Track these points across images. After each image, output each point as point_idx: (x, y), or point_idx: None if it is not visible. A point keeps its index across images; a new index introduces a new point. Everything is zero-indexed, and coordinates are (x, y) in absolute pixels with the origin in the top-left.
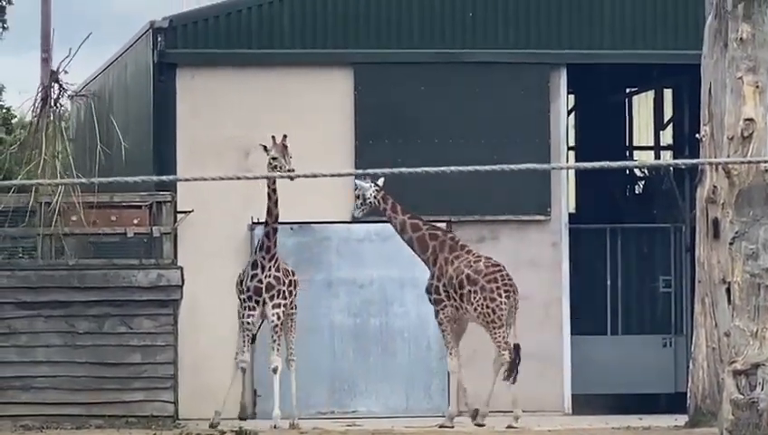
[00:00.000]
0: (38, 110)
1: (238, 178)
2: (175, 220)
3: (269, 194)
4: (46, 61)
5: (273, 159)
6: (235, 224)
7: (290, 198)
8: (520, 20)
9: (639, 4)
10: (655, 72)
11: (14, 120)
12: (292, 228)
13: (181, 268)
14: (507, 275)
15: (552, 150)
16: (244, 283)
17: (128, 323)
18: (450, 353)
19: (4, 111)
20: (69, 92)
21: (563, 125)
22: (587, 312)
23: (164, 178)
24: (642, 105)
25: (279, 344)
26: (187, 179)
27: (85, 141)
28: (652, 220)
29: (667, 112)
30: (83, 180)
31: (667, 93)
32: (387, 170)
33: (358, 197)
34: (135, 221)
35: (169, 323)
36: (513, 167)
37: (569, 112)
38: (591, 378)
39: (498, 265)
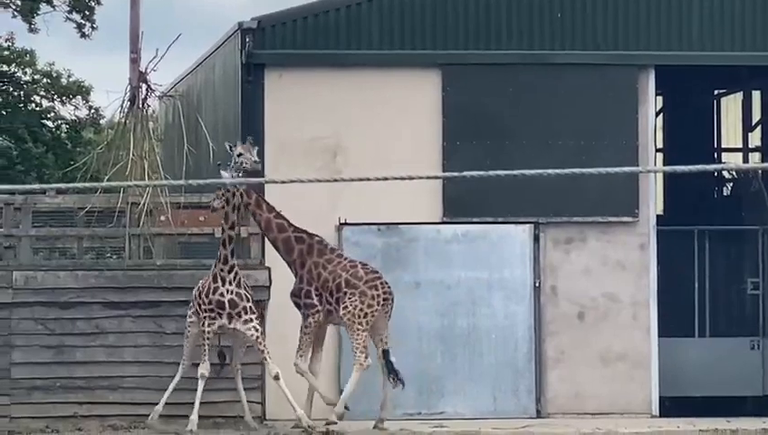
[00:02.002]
0: (126, 110)
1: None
2: None
3: (227, 199)
4: (135, 61)
5: (239, 155)
6: (323, 224)
7: (378, 199)
8: (608, 21)
9: (728, 6)
10: (743, 73)
11: (102, 121)
12: (379, 229)
13: (269, 269)
14: (386, 282)
15: (639, 152)
16: (203, 295)
17: None
18: (301, 356)
19: (93, 111)
20: (157, 93)
21: (651, 127)
22: (674, 314)
23: (262, 180)
24: (730, 107)
25: (269, 353)
26: (275, 181)
27: (173, 142)
28: (740, 222)
29: (756, 114)
30: (181, 182)
31: (756, 95)
32: (476, 173)
33: (220, 189)
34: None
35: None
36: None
37: (657, 114)
38: (679, 380)
39: (377, 272)
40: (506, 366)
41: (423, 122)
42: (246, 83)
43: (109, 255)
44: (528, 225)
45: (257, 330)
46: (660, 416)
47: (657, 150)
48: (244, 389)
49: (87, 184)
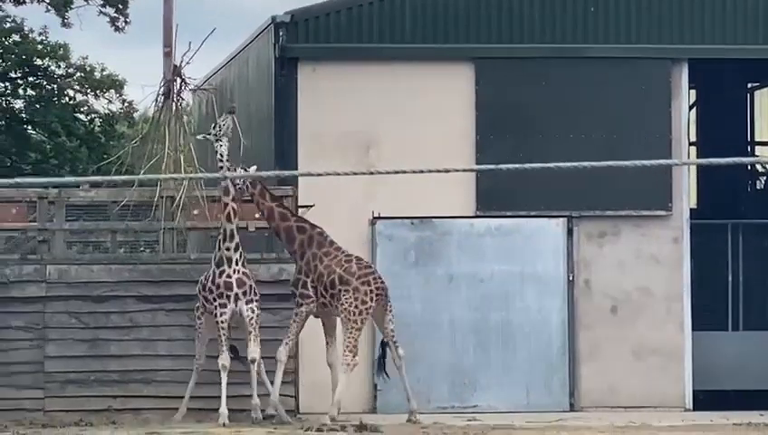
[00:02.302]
0: (160, 104)
1: (353, 174)
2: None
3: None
4: (168, 55)
5: (216, 126)
6: (356, 218)
7: (411, 193)
8: (642, 15)
9: None
10: None
11: (136, 115)
12: (413, 223)
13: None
14: (379, 277)
15: (672, 146)
16: (209, 285)
17: None
18: (287, 344)
19: (126, 105)
20: (191, 86)
21: (684, 120)
22: (708, 307)
23: (296, 172)
24: (764, 100)
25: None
26: (309, 174)
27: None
28: None
29: None
30: (217, 175)
31: None
32: (512, 166)
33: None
34: (257, 215)
35: (289, 317)
36: (634, 163)
37: (690, 108)
38: (712, 374)
39: (370, 267)
40: (540, 360)
41: (456, 116)
42: (280, 77)
43: (142, 249)
44: (561, 218)
45: (253, 312)
46: (694, 410)
47: (691, 144)
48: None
49: (121, 177)
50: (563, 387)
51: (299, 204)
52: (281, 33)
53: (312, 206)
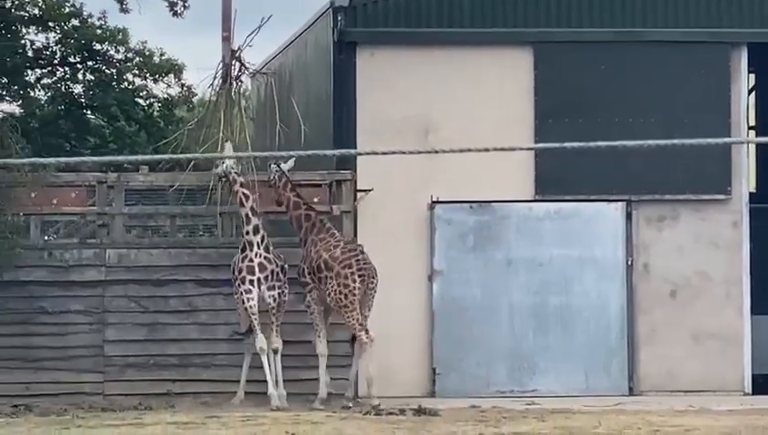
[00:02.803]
0: (217, 88)
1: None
2: (355, 199)
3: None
4: (227, 39)
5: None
6: (415, 202)
7: (470, 177)
8: None
9: None
10: None
11: (194, 99)
12: (471, 207)
13: (361, 246)
14: (363, 259)
15: (732, 130)
16: (235, 271)
17: (302, 301)
18: (318, 336)
19: (185, 89)
20: (249, 71)
21: (744, 105)
22: (767, 291)
23: (353, 151)
24: None
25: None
26: (374, 153)
27: (265, 120)
28: None
29: None
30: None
31: None
32: (576, 144)
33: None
34: (315, 199)
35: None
36: (698, 141)
37: (749, 92)
38: None
39: (355, 250)
40: (598, 344)
41: (514, 101)
42: (338, 62)
43: (201, 232)
44: (620, 202)
45: (275, 300)
46: (753, 394)
47: (750, 128)
48: (337, 366)
49: (174, 156)
50: (622, 371)
51: (357, 188)
52: (339, 18)
53: (370, 190)
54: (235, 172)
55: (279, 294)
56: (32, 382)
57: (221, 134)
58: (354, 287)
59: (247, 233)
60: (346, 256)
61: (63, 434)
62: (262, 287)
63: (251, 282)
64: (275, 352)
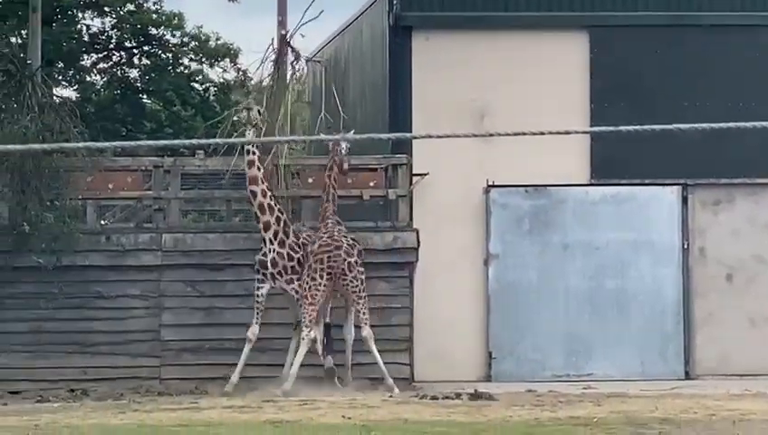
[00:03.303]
0: (272, 73)
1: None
2: (410, 183)
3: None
4: (282, 24)
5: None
6: (470, 186)
7: (526, 161)
8: None
9: None
10: None
11: (250, 84)
12: (527, 191)
13: (417, 231)
14: (335, 255)
15: None
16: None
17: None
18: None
19: (241, 73)
20: (304, 56)
21: None
22: None
23: (408, 135)
24: None
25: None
26: (429, 136)
27: (321, 105)
28: None
29: None
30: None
31: None
32: (630, 127)
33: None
34: (371, 184)
35: (405, 286)
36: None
37: None
38: None
39: (330, 246)
40: (654, 328)
41: (570, 84)
42: (393, 46)
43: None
44: (676, 186)
45: (297, 293)
46: None
47: None
48: (393, 350)
49: (227, 140)
50: (678, 355)
51: (413, 172)
52: (394, 2)
53: (426, 174)
54: (254, 149)
55: (299, 286)
56: (88, 367)
57: (278, 119)
58: (320, 284)
59: (260, 231)
60: (320, 251)
61: (120, 418)
62: (277, 281)
63: (264, 274)
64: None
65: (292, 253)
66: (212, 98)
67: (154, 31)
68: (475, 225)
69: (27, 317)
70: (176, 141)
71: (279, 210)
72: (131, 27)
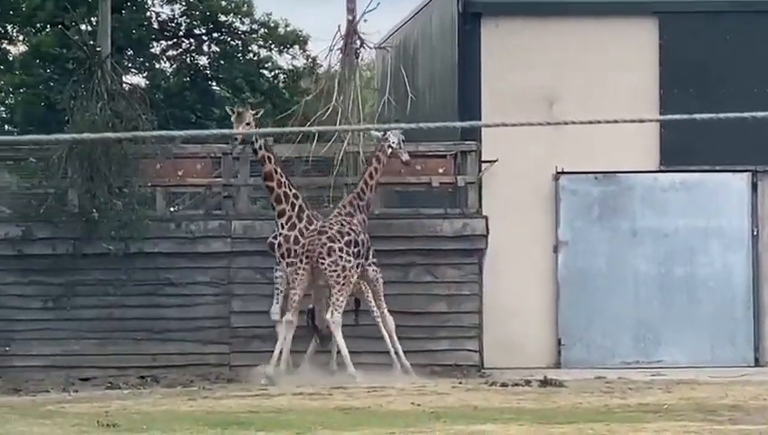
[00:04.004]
0: (340, 60)
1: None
2: (480, 170)
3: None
4: (351, 11)
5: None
6: (540, 173)
7: (595, 148)
8: None
9: None
10: None
11: (319, 70)
12: (596, 178)
13: (486, 218)
14: (309, 242)
15: None
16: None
17: (433, 272)
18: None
19: (310, 60)
20: (371, 43)
21: None
22: None
23: (479, 123)
24: None
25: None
26: (504, 125)
27: (389, 92)
28: None
29: None
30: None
31: None
32: (706, 115)
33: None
34: (440, 171)
35: (474, 273)
36: None
37: None
38: None
39: (314, 232)
40: (724, 315)
41: (639, 71)
42: (463, 33)
43: (326, 204)
44: (746, 173)
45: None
46: None
47: None
48: (462, 337)
49: (294, 129)
50: (748, 342)
51: (482, 159)
52: None
53: (495, 161)
54: (263, 144)
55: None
56: (158, 354)
57: (347, 106)
58: (300, 268)
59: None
60: (306, 236)
61: (190, 405)
62: (281, 263)
63: (277, 261)
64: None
65: (299, 237)
66: (281, 85)
67: (223, 18)
68: (544, 212)
69: (97, 304)
70: (250, 131)
71: (294, 195)
72: (201, 14)
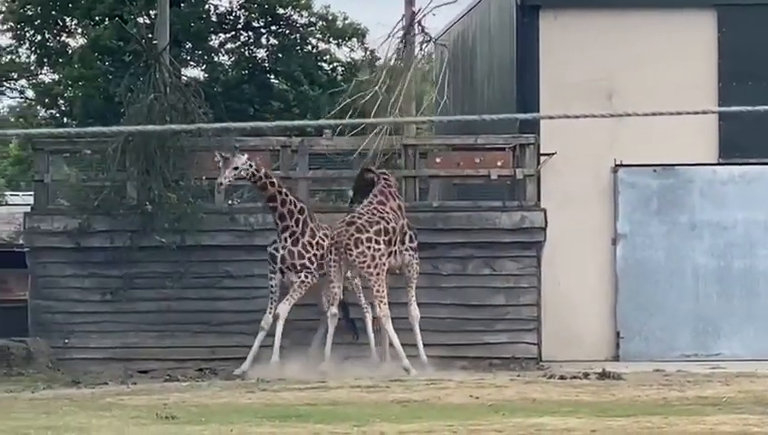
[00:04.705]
0: (398, 53)
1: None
2: (538, 162)
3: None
4: (410, 3)
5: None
6: (599, 166)
7: (653, 140)
8: None
9: None
10: None
11: (378, 63)
12: (655, 170)
13: (544, 210)
14: (343, 231)
15: None
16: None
17: (491, 265)
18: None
19: (368, 53)
20: (431, 37)
21: None
22: None
23: (537, 115)
24: None
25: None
26: (566, 117)
27: (446, 84)
28: None
29: None
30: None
31: None
32: (761, 108)
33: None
34: (499, 163)
35: (533, 266)
36: None
37: None
38: None
39: (343, 222)
40: None
41: (698, 64)
42: (521, 25)
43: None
44: None
45: (302, 282)
46: None
47: None
48: (520, 330)
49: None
50: None
51: (540, 152)
52: None
53: (553, 154)
54: (263, 174)
55: (305, 276)
56: (217, 346)
57: (402, 97)
58: (332, 261)
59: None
60: (335, 227)
61: (248, 398)
62: (286, 274)
63: (274, 267)
64: (276, 321)
65: (303, 251)
66: (339, 78)
67: (281, 11)
68: (602, 204)
69: (155, 297)
70: (310, 122)
71: (299, 210)
72: (259, 7)
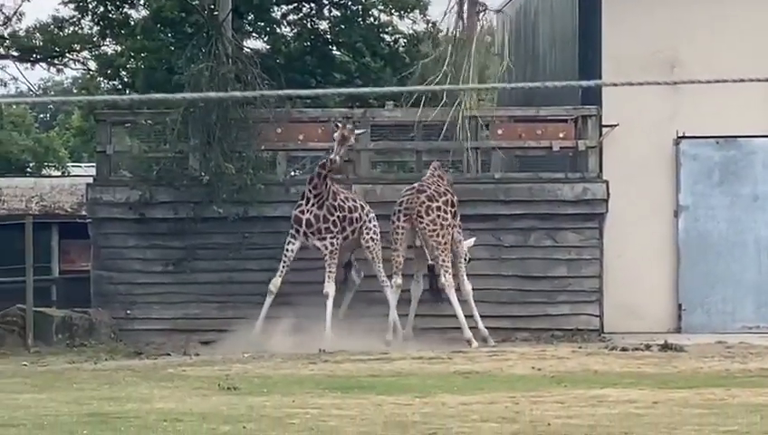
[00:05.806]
0: (458, 24)
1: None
2: (600, 134)
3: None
4: None
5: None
6: (661, 138)
7: (716, 112)
8: None
9: None
10: None
11: (440, 35)
12: (717, 142)
13: (606, 182)
14: (414, 198)
15: None
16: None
17: (553, 236)
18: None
19: (430, 25)
20: (490, 8)
21: None
22: None
23: (599, 82)
24: None
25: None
26: (630, 84)
27: (511, 56)
28: None
29: None
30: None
31: None
32: None
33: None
34: (561, 135)
35: (595, 237)
36: None
37: None
38: None
39: (412, 189)
40: None
41: (761, 34)
42: None
43: (447, 168)
44: None
45: (326, 248)
46: None
47: None
48: (582, 302)
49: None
50: None
51: (603, 123)
52: None
53: (615, 125)
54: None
55: (330, 243)
56: (277, 317)
57: (469, 71)
58: (399, 227)
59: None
60: (403, 195)
61: (310, 369)
62: (310, 239)
63: (297, 231)
64: (326, 296)
65: (328, 215)
66: (401, 49)
67: None
68: (664, 176)
69: (217, 268)
70: (375, 89)
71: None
72: None
